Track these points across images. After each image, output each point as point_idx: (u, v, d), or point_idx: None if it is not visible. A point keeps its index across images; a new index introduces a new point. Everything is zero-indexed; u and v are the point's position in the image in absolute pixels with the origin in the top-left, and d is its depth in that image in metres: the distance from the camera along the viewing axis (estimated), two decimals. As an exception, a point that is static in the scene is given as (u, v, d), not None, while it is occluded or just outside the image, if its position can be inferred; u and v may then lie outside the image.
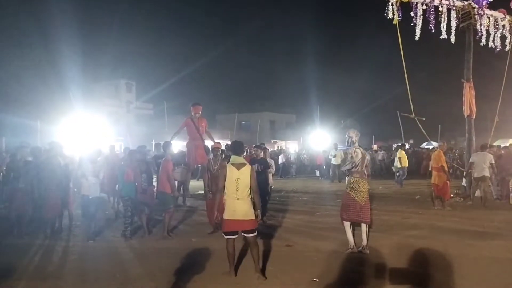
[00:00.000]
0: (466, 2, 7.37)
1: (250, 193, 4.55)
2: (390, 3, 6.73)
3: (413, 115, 8.16)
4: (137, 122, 39.99)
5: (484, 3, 7.57)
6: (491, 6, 7.85)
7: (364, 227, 5.95)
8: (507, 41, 8.12)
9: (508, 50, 8.29)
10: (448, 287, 4.66)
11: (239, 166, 4.59)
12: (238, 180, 4.55)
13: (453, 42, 7.36)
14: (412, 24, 7.02)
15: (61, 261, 5.78)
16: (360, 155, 6.35)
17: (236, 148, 4.94)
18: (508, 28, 8.09)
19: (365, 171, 6.54)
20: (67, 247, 6.66)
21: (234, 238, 4.65)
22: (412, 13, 6.92)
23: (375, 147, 28.66)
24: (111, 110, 37.95)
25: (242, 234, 4.81)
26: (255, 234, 4.65)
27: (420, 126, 8.53)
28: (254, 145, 8.90)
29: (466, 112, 7.53)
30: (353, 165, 6.39)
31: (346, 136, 6.55)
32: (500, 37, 8.06)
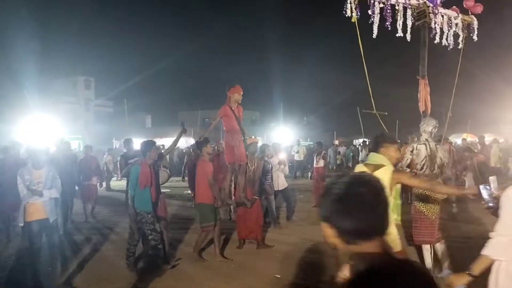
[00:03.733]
0: (421, 1, 7.56)
1: None
2: (348, 1, 6.81)
3: (375, 111, 8.33)
4: (96, 120, 38.88)
5: (438, 2, 7.78)
6: (445, 5, 8.07)
7: (439, 246, 5.02)
8: (460, 39, 8.39)
9: (461, 48, 8.56)
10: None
11: (375, 168, 3.46)
12: None
13: (409, 40, 7.53)
14: (370, 22, 7.12)
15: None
16: (423, 153, 5.39)
17: (374, 144, 3.78)
18: (460, 26, 8.37)
19: (438, 175, 5.32)
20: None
21: None
22: (370, 11, 7.02)
23: (336, 142, 29.21)
24: (69, 107, 36.81)
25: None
26: None
27: (381, 122, 8.72)
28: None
29: (421, 108, 7.75)
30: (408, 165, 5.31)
31: (421, 131, 5.75)
32: (453, 35, 8.32)
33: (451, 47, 8.34)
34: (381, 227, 1.35)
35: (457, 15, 8.22)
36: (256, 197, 6.78)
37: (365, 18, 7.16)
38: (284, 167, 9.27)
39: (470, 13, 8.42)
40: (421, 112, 7.86)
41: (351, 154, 25.65)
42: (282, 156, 9.65)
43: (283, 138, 26.07)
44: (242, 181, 6.46)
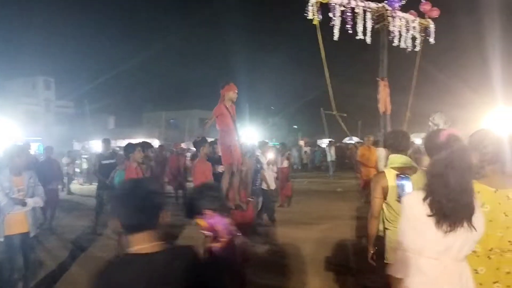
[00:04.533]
0: (380, 5, 7.77)
1: None
2: (310, 4, 6.92)
3: (335, 112, 8.50)
4: (57, 122, 37.70)
5: (397, 5, 8.02)
6: (403, 9, 8.33)
7: None
8: (417, 41, 8.68)
9: (418, 50, 8.85)
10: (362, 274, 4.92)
11: (414, 170, 3.22)
12: None
13: (369, 42, 7.72)
14: (331, 25, 7.25)
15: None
16: None
17: (397, 143, 3.36)
18: (418, 29, 8.66)
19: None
20: None
21: None
22: (331, 14, 7.15)
23: (301, 142, 29.55)
24: (28, 109, 35.50)
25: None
26: None
27: (341, 122, 8.91)
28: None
29: (381, 108, 7.95)
30: None
31: (430, 123, 5.50)
32: (411, 37, 8.59)
33: (409, 49, 8.62)
34: (145, 223, 1.69)
35: (414, 18, 8.51)
36: (250, 199, 6.57)
37: (327, 21, 7.31)
38: (273, 166, 9.20)
39: (426, 16, 8.74)
40: (381, 113, 8.08)
41: (320, 154, 26.02)
42: (271, 155, 9.58)
43: (248, 139, 26.10)
44: (237, 183, 6.14)
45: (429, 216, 2.04)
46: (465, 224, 2.03)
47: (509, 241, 2.34)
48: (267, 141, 11.23)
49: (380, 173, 3.40)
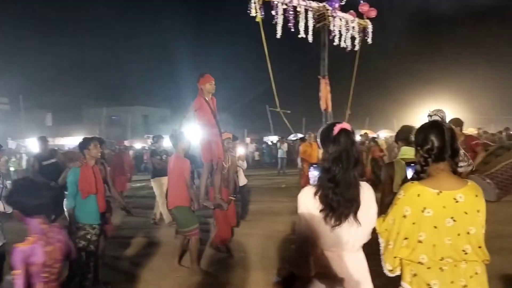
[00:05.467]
0: (321, 4, 7.94)
1: None
2: (252, 1, 6.95)
3: (279, 108, 8.61)
4: (-12, 118, 35.30)
5: (337, 5, 8.24)
6: (343, 9, 8.57)
7: None
8: (356, 41, 8.97)
9: (357, 49, 9.15)
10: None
11: None
12: None
13: (310, 41, 7.88)
14: (274, 23, 7.32)
15: None
16: None
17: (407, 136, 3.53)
18: (357, 29, 8.95)
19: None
20: None
21: None
22: (273, 12, 7.22)
23: (248, 140, 29.67)
24: (-46, 104, 33.06)
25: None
26: None
27: (285, 119, 9.04)
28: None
29: (322, 106, 8.15)
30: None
31: (429, 118, 5.11)
32: (351, 37, 8.86)
33: (349, 48, 8.90)
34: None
35: (353, 18, 8.79)
36: (232, 197, 6.31)
37: (269, 19, 7.38)
38: (243, 162, 9.05)
39: (365, 17, 9.06)
40: (322, 110, 8.29)
41: (270, 151, 26.30)
42: (241, 151, 9.43)
43: (193, 136, 25.87)
44: (218, 181, 5.81)
45: (320, 210, 2.05)
46: (351, 219, 2.05)
47: (463, 250, 2.07)
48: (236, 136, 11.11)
49: (390, 163, 3.72)
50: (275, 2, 7.23)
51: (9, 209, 3.90)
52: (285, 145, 20.81)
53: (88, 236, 4.48)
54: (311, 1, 7.87)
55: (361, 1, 8.92)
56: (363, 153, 11.29)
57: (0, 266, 4.12)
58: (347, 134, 2.08)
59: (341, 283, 2.05)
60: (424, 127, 2.27)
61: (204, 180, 5.76)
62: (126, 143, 18.09)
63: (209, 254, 6.09)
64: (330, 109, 8.38)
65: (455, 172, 2.19)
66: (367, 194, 2.15)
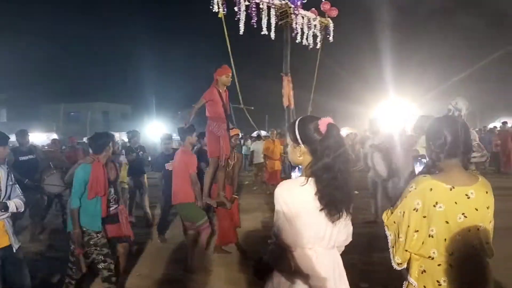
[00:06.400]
0: (283, 2, 7.99)
1: None
2: (215, -3, 6.91)
3: (242, 105, 8.59)
4: None
5: (299, 3, 8.31)
6: (305, 7, 8.65)
7: None
8: (318, 39, 9.08)
9: (319, 48, 9.27)
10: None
11: None
12: None
13: (273, 38, 7.91)
14: (236, 19, 7.30)
15: None
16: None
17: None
18: (319, 27, 9.06)
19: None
20: None
21: None
22: (236, 8, 7.20)
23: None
24: None
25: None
26: None
27: (248, 116, 9.04)
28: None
29: (285, 103, 8.22)
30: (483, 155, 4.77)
31: (451, 107, 5.09)
32: (313, 35, 8.97)
33: (311, 46, 9.01)
34: None
35: (315, 17, 8.90)
36: (235, 196, 6.17)
37: (232, 15, 7.35)
38: None
39: (327, 16, 9.19)
40: (285, 107, 8.36)
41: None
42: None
43: (156, 133, 25.49)
44: (222, 178, 5.60)
45: (321, 207, 1.96)
46: (344, 214, 2.02)
47: (473, 246, 2.09)
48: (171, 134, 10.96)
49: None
50: (238, -2, 7.21)
51: (21, 208, 3.76)
52: (249, 142, 20.81)
53: (92, 242, 4.12)
54: (274, -1, 7.89)
55: (323, 0, 9.04)
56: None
57: (22, 272, 3.73)
58: (336, 128, 2.03)
59: (319, 281, 2.00)
60: (437, 121, 2.24)
61: (209, 177, 5.47)
62: (86, 140, 17.56)
63: (173, 252, 6.04)
64: (292, 106, 8.46)
65: (466, 168, 2.17)
66: None
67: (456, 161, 2.13)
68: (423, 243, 2.11)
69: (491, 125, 21.65)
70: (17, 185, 3.84)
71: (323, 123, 2.01)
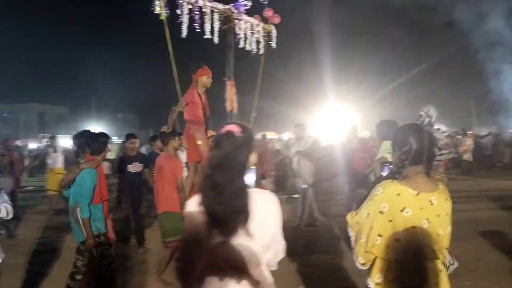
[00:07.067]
0: (227, 7, 8.01)
1: None
2: (157, -1, 6.79)
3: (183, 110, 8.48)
4: None
5: (242, 9, 8.36)
6: (249, 13, 8.72)
7: None
8: (261, 45, 9.18)
9: (263, 53, 9.37)
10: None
11: None
12: None
13: (216, 43, 7.90)
14: (179, 22, 7.22)
15: None
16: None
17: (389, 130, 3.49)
18: (262, 33, 9.16)
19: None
20: None
21: None
22: (178, 11, 7.12)
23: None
24: None
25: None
26: None
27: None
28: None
29: (228, 107, 8.22)
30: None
31: (423, 113, 5.25)
32: (256, 41, 9.04)
33: (254, 51, 9.08)
34: None
35: (258, 23, 8.98)
36: None
37: (175, 17, 7.25)
38: None
39: (269, 22, 9.30)
40: (228, 112, 8.36)
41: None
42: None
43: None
44: (196, 184, 5.27)
45: (204, 223, 1.79)
46: (241, 231, 1.78)
47: (433, 250, 2.15)
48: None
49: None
50: (180, 1, 7.13)
51: (11, 214, 3.47)
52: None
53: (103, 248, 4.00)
54: (217, 3, 7.89)
55: (266, 7, 9.16)
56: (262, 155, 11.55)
57: None
58: (231, 138, 1.86)
59: None
60: (404, 129, 2.29)
61: (189, 183, 5.22)
62: (19, 143, 16.62)
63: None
64: (235, 111, 8.47)
65: (429, 174, 2.24)
66: (265, 204, 1.90)
67: (420, 167, 2.19)
68: (388, 247, 2.14)
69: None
70: (3, 190, 3.54)
71: (222, 131, 1.92)
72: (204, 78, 5.38)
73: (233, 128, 1.89)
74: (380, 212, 2.14)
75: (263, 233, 1.84)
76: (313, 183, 7.37)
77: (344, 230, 3.01)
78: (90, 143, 4.20)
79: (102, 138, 4.25)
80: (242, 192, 1.81)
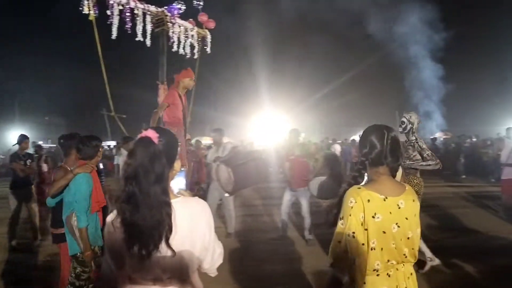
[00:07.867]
0: (159, 9, 7.84)
1: None
2: (85, -2, 6.51)
3: (113, 113, 8.17)
4: None
5: (176, 12, 8.23)
6: (183, 17, 8.61)
7: None
8: (196, 49, 9.10)
9: (197, 58, 9.30)
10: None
11: None
12: None
13: (148, 45, 7.72)
14: (109, 23, 6.97)
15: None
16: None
17: None
18: (196, 38, 9.08)
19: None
20: None
21: None
22: (108, 12, 6.87)
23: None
24: None
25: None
26: None
27: (120, 124, 8.63)
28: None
29: (161, 112, 8.02)
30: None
31: (405, 119, 5.42)
32: (190, 45, 8.95)
33: (188, 56, 8.96)
34: None
35: (192, 27, 8.89)
36: None
37: (105, 18, 6.97)
38: None
39: (204, 27, 9.25)
40: (160, 116, 8.15)
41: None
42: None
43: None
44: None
45: (122, 238, 1.67)
46: (162, 247, 1.67)
47: (404, 254, 2.13)
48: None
49: None
50: (111, 2, 6.88)
51: None
52: (122, 151, 19.83)
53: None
54: (150, 5, 7.71)
55: (201, 11, 9.09)
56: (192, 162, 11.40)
57: None
58: (147, 145, 1.70)
59: None
60: (366, 131, 2.25)
61: None
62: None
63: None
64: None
65: (394, 176, 2.20)
66: (192, 213, 1.80)
67: (382, 169, 2.17)
68: (365, 257, 2.09)
69: (352, 138, 23.92)
70: None
71: (138, 137, 1.78)
72: (187, 80, 5.43)
73: (151, 133, 1.74)
74: (361, 224, 2.09)
75: (192, 244, 1.76)
76: (232, 191, 6.98)
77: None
78: (81, 148, 3.98)
79: (95, 142, 4.04)
80: (160, 204, 1.67)
